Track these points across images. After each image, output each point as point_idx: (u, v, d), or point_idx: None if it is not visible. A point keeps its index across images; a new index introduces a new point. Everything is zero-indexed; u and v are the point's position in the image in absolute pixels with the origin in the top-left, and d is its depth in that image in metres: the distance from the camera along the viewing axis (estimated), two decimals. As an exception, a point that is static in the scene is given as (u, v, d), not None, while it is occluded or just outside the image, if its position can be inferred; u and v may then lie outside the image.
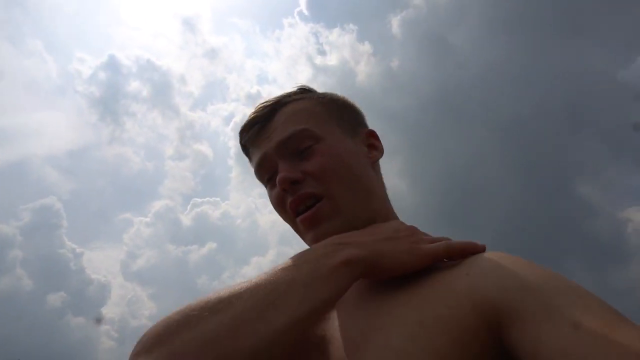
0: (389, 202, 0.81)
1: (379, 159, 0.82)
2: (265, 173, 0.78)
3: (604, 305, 0.49)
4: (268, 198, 0.81)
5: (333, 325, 0.67)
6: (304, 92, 0.84)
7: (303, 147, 0.74)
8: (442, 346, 0.52)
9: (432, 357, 0.52)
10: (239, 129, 0.82)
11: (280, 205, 0.77)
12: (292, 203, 0.73)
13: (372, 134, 0.84)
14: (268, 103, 0.80)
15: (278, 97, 0.81)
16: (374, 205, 0.76)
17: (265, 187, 0.81)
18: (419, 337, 0.54)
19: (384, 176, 0.84)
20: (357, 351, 0.59)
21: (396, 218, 0.79)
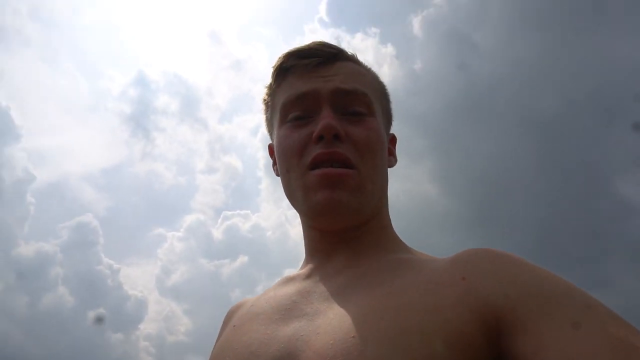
0: (388, 214, 0.76)
1: (393, 166, 0.78)
2: (298, 109, 0.70)
3: (613, 315, 0.46)
4: (275, 148, 0.74)
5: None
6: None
7: (356, 110, 0.69)
8: (429, 356, 0.47)
9: None
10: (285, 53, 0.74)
11: (297, 149, 0.68)
12: (321, 154, 0.66)
13: (395, 140, 0.81)
14: (332, 46, 0.73)
15: (340, 48, 0.75)
16: (379, 204, 0.72)
17: (281, 123, 0.72)
18: (401, 346, 0.49)
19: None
20: None
21: (389, 226, 0.75)
